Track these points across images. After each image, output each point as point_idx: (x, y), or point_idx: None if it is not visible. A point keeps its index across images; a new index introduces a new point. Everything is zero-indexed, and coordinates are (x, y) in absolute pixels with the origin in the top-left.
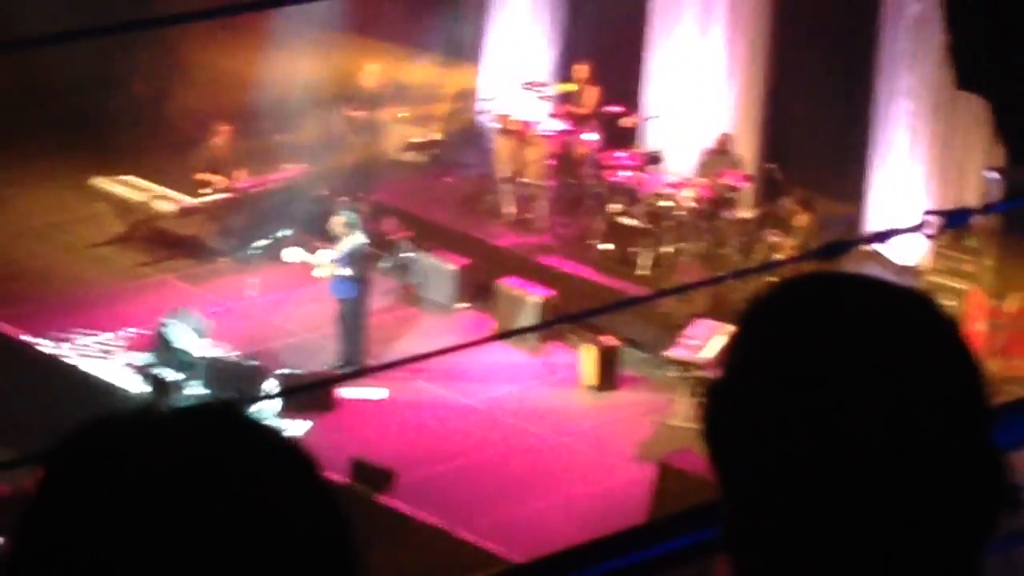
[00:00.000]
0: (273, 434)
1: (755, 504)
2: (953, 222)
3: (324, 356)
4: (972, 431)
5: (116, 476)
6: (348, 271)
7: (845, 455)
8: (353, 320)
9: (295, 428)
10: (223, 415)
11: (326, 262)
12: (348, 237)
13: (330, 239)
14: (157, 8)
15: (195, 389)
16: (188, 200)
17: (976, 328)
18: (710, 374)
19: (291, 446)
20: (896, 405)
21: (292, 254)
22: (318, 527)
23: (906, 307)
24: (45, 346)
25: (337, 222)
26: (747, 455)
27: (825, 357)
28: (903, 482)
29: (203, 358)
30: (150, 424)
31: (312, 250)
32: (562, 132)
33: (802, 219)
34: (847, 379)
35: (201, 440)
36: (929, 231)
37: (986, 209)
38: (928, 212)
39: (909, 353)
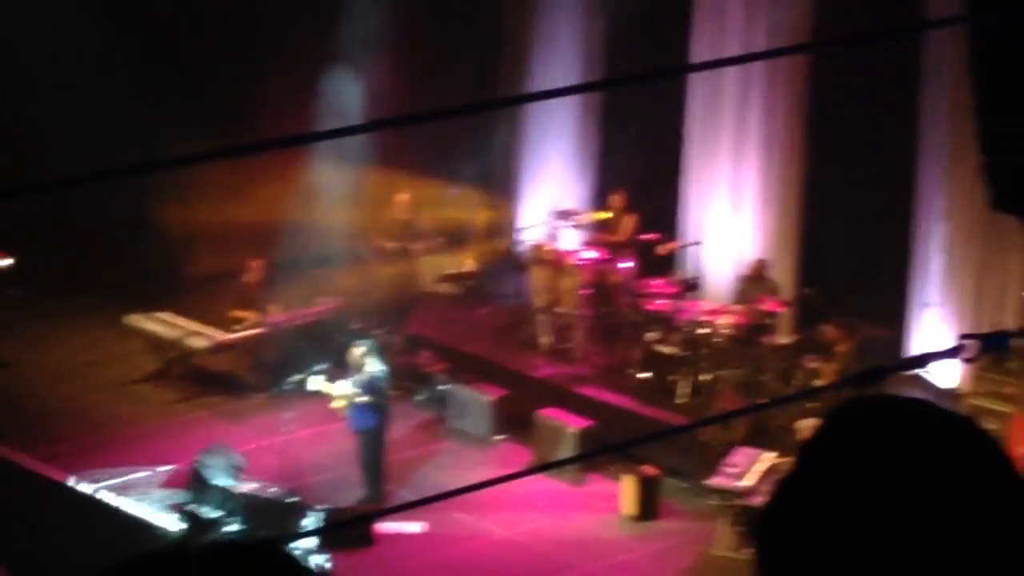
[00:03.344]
0: (311, 573)
1: None
2: (991, 345)
3: (360, 491)
4: None
5: None
6: (365, 400)
7: None
8: (373, 452)
9: (331, 563)
10: (262, 552)
11: (343, 393)
12: (366, 367)
13: (351, 370)
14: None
15: (233, 526)
16: (222, 336)
17: (1020, 451)
18: (751, 502)
19: None
20: (950, 535)
21: (315, 383)
22: None
23: (956, 434)
24: (81, 484)
25: (354, 352)
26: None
27: (878, 488)
28: None
29: (240, 494)
30: (189, 560)
31: (333, 380)
32: (597, 261)
33: (842, 345)
34: (901, 508)
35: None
36: (967, 355)
37: None
38: (965, 336)
39: (962, 482)
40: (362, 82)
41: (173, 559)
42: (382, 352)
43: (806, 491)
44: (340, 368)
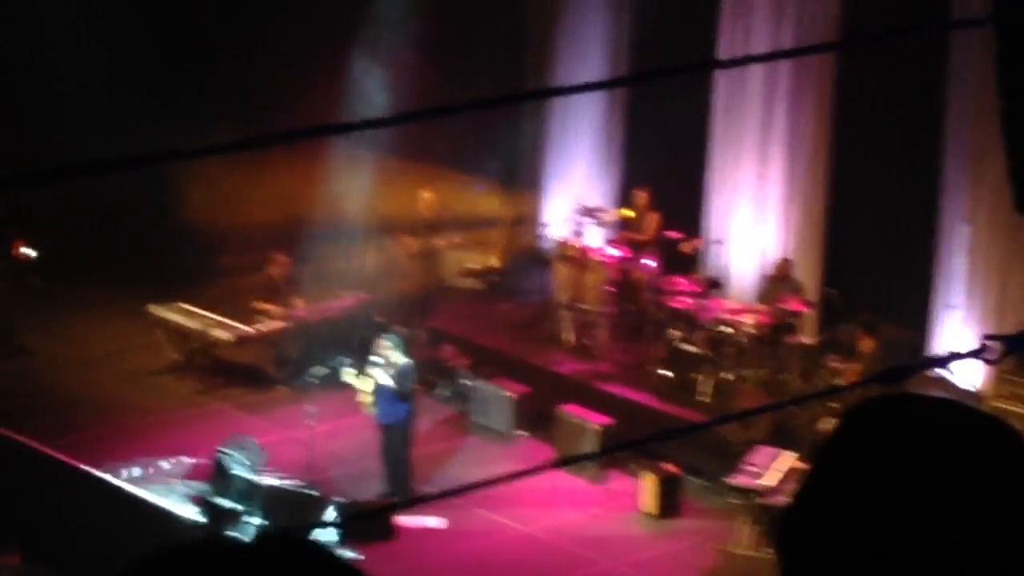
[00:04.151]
0: (345, 566)
1: None
2: (1015, 347)
3: (381, 484)
4: None
5: None
6: (394, 395)
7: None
8: (400, 446)
9: (353, 557)
10: (293, 547)
11: (370, 388)
12: (394, 361)
13: (377, 364)
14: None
15: (253, 518)
16: (245, 328)
17: None
18: (771, 501)
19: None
20: (975, 531)
21: (348, 376)
22: None
23: (981, 431)
24: (102, 474)
25: (382, 346)
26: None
27: (903, 483)
28: None
29: (261, 487)
30: (221, 554)
31: (361, 374)
32: (621, 258)
33: (866, 344)
34: (926, 505)
35: (279, 570)
36: (990, 356)
37: None
38: (988, 337)
39: (987, 479)
40: (385, 77)
41: (203, 551)
42: (408, 347)
43: (825, 491)
44: (364, 362)
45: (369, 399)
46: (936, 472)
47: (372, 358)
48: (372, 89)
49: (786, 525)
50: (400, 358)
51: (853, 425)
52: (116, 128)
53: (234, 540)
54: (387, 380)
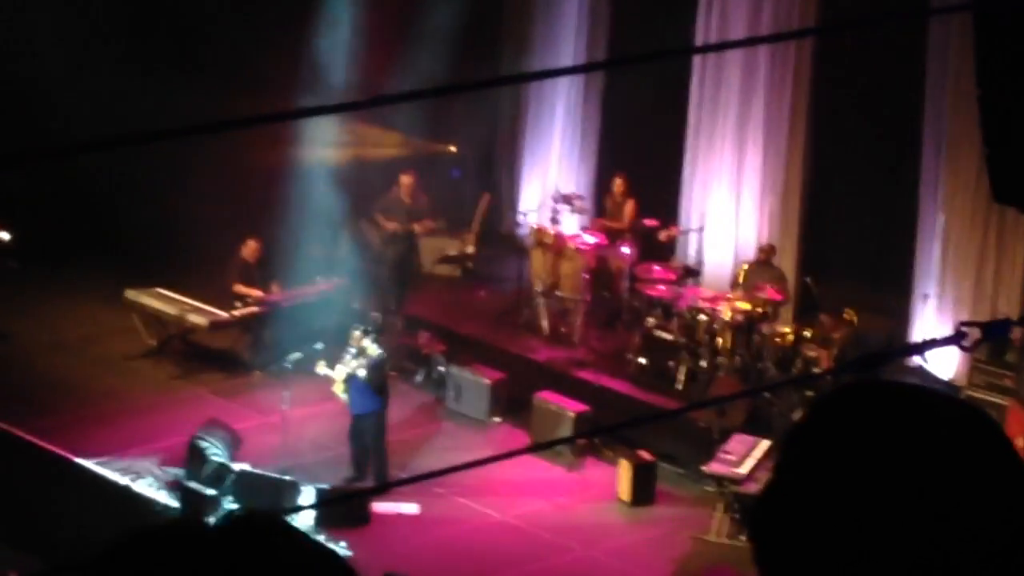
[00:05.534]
0: (317, 544)
1: None
2: (991, 334)
3: (350, 471)
4: None
5: None
6: (367, 383)
7: (898, 564)
8: (374, 435)
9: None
10: (268, 526)
11: (343, 377)
12: (367, 349)
13: (349, 355)
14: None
15: (228, 503)
16: (221, 313)
17: (1017, 443)
18: (747, 489)
19: (335, 556)
20: (948, 518)
21: (321, 367)
22: None
23: (953, 417)
24: (77, 458)
25: (355, 337)
26: (799, 564)
27: (875, 470)
28: None
29: (236, 472)
30: (195, 535)
31: (334, 364)
32: (597, 245)
33: (842, 333)
34: (898, 492)
35: (250, 551)
36: (966, 343)
37: None
38: (965, 324)
39: (960, 465)
40: (360, 60)
41: (178, 533)
42: (382, 334)
43: (797, 479)
44: (339, 348)
45: (341, 387)
46: (908, 459)
47: (346, 349)
48: (348, 72)
49: (759, 513)
50: (374, 349)
51: (824, 412)
52: (99, 108)
53: (205, 522)
54: (360, 371)
